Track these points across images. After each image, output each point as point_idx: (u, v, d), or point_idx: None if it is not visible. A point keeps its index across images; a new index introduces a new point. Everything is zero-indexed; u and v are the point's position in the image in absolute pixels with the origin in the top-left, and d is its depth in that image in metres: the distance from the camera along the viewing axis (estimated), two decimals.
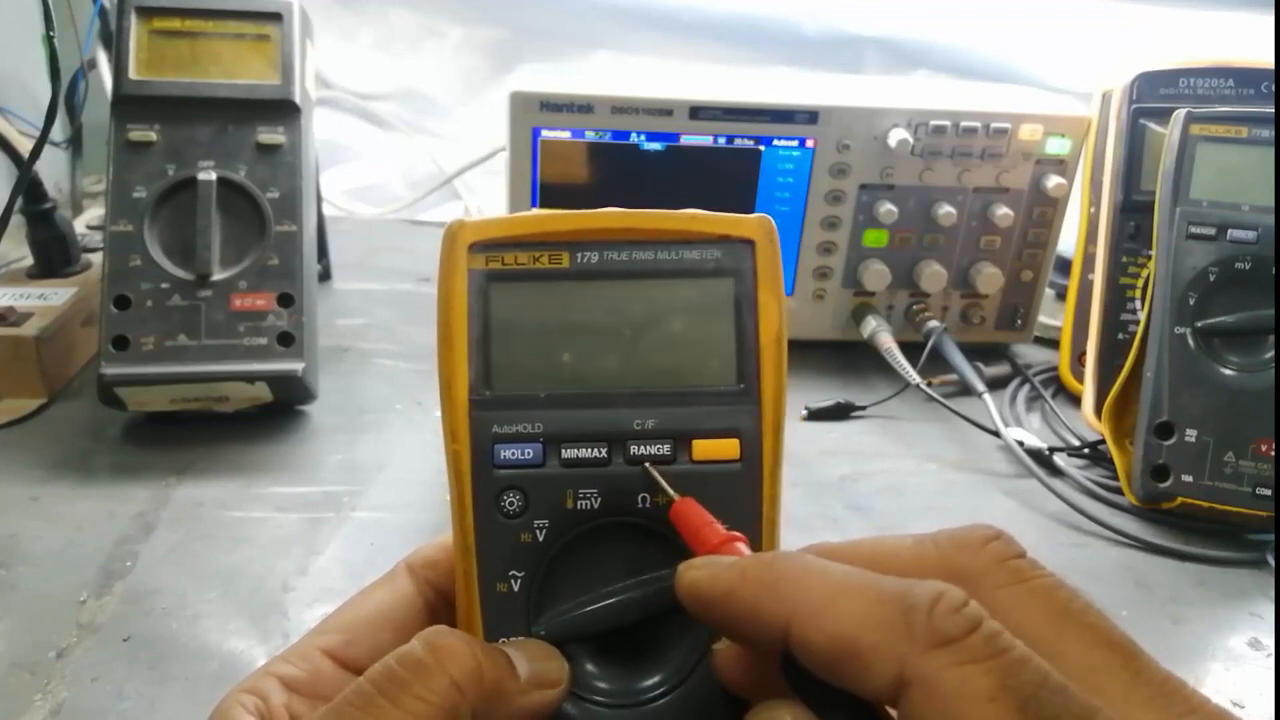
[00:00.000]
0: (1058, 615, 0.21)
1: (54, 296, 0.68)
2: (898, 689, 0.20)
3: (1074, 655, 0.20)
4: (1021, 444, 0.63)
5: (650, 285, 0.28)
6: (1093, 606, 0.21)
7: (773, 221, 0.28)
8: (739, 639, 0.24)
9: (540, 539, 0.27)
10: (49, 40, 0.63)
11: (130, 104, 0.61)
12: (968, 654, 0.19)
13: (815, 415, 0.68)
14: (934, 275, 0.73)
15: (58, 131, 0.81)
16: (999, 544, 0.23)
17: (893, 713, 0.20)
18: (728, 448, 0.28)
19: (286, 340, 0.60)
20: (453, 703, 0.23)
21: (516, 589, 0.27)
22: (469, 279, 0.27)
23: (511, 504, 0.27)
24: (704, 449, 0.28)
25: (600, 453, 0.27)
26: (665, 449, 0.27)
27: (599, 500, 0.27)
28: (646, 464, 0.27)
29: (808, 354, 0.74)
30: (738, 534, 0.25)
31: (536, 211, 0.29)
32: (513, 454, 0.27)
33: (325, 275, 0.85)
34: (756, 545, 0.28)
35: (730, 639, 0.24)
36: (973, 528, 0.23)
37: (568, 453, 0.27)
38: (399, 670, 0.23)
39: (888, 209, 0.72)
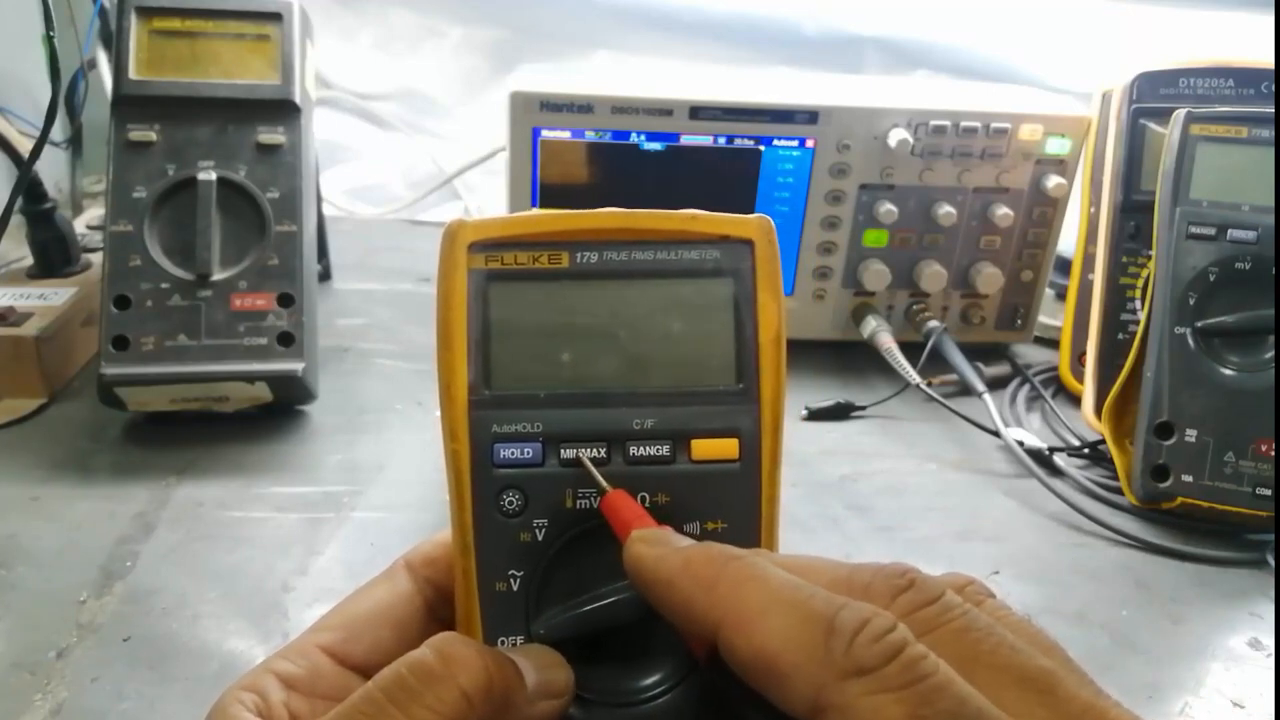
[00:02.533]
0: (967, 661, 0.20)
1: (54, 296, 0.68)
2: (815, 713, 0.20)
3: (988, 697, 0.19)
4: (1021, 444, 0.63)
5: (650, 285, 0.28)
6: (1005, 642, 0.21)
7: (772, 222, 0.28)
8: (673, 623, 0.24)
9: (539, 538, 0.27)
10: (49, 40, 0.63)
11: (130, 104, 0.61)
12: (882, 683, 0.19)
13: (815, 415, 0.68)
14: (934, 275, 0.73)
15: (58, 131, 0.81)
16: (909, 595, 0.22)
17: None
18: (727, 447, 0.28)
19: (286, 340, 0.60)
20: (462, 713, 0.23)
21: (516, 588, 0.27)
22: (469, 278, 0.27)
23: (511, 503, 0.27)
24: (703, 449, 0.28)
25: (599, 452, 0.27)
26: (664, 449, 0.27)
27: (598, 500, 0.27)
28: (584, 458, 0.27)
29: (808, 354, 0.74)
30: (667, 527, 0.25)
31: (536, 211, 0.29)
32: (512, 453, 0.27)
33: (325, 275, 0.85)
34: (754, 546, 0.28)
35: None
36: (886, 572, 0.23)
37: (567, 452, 0.27)
38: (410, 679, 0.23)
39: (888, 209, 0.72)
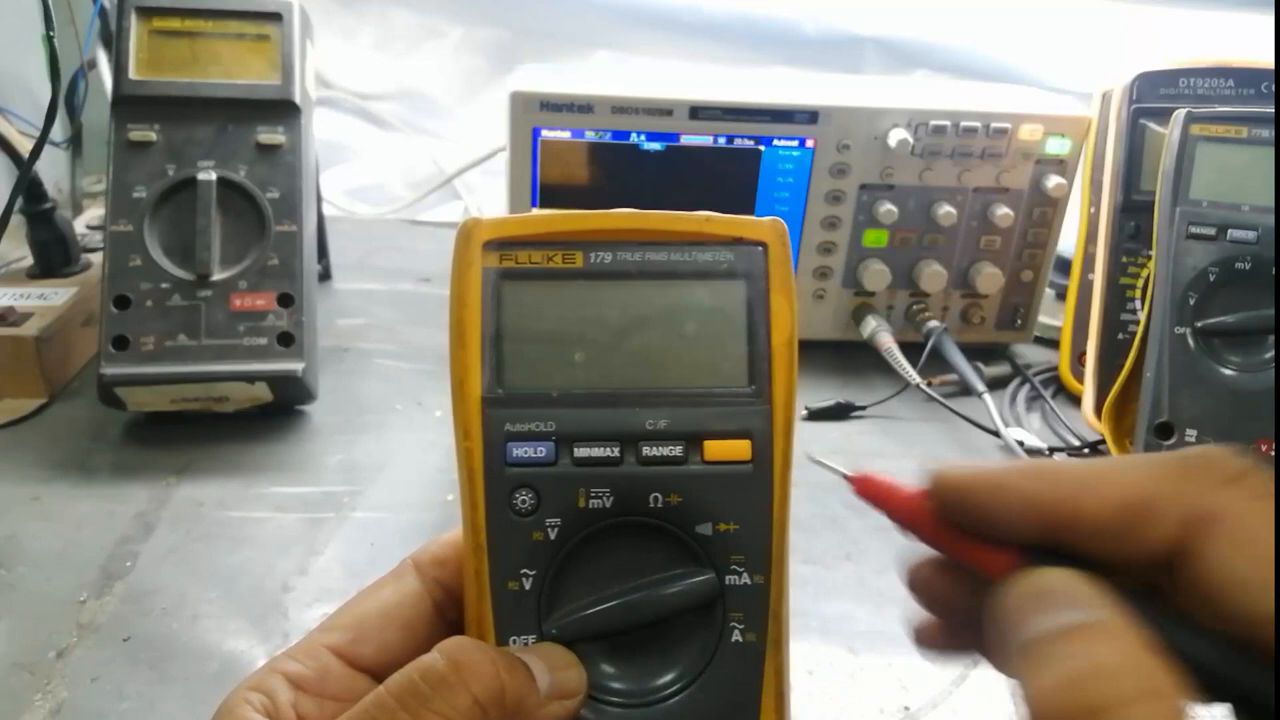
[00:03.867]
0: None
1: (54, 296, 0.68)
2: (1183, 535, 0.20)
3: None
4: (1021, 444, 0.63)
5: (663, 286, 0.28)
6: None
7: (785, 225, 0.28)
8: (1002, 534, 0.23)
9: (552, 537, 0.27)
10: (49, 40, 0.63)
11: (130, 104, 0.61)
12: (1263, 488, 0.19)
13: (815, 415, 0.68)
14: (934, 275, 0.73)
15: (58, 131, 0.81)
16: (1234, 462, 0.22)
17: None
18: (739, 449, 0.28)
19: (286, 340, 0.60)
20: (475, 719, 0.23)
21: (528, 587, 0.27)
22: (483, 277, 0.27)
23: (524, 502, 0.27)
24: (715, 449, 0.28)
25: (613, 452, 0.27)
26: (677, 449, 0.27)
27: (611, 499, 0.27)
28: (813, 458, 0.28)
29: (808, 354, 0.74)
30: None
31: (550, 211, 0.29)
32: (525, 452, 0.27)
33: (325, 275, 0.85)
34: (766, 547, 0.28)
35: (982, 547, 0.23)
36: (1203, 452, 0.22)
37: (580, 451, 0.27)
38: (421, 685, 0.23)
39: (888, 209, 0.72)
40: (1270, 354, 0.56)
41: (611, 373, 0.28)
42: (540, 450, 0.27)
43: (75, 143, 0.89)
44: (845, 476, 0.26)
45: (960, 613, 0.25)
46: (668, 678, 0.27)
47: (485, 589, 0.27)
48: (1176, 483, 0.20)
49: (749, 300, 0.28)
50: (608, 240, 0.28)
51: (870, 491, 0.26)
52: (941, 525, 0.24)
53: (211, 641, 0.45)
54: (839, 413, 0.68)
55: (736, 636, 0.27)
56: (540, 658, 0.25)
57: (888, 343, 0.71)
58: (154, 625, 0.46)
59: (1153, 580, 0.21)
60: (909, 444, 0.66)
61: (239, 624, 0.46)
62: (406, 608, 0.29)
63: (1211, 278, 0.57)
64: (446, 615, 0.29)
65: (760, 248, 0.28)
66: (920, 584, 0.26)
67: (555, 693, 0.25)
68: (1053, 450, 0.63)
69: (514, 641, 0.27)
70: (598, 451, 0.27)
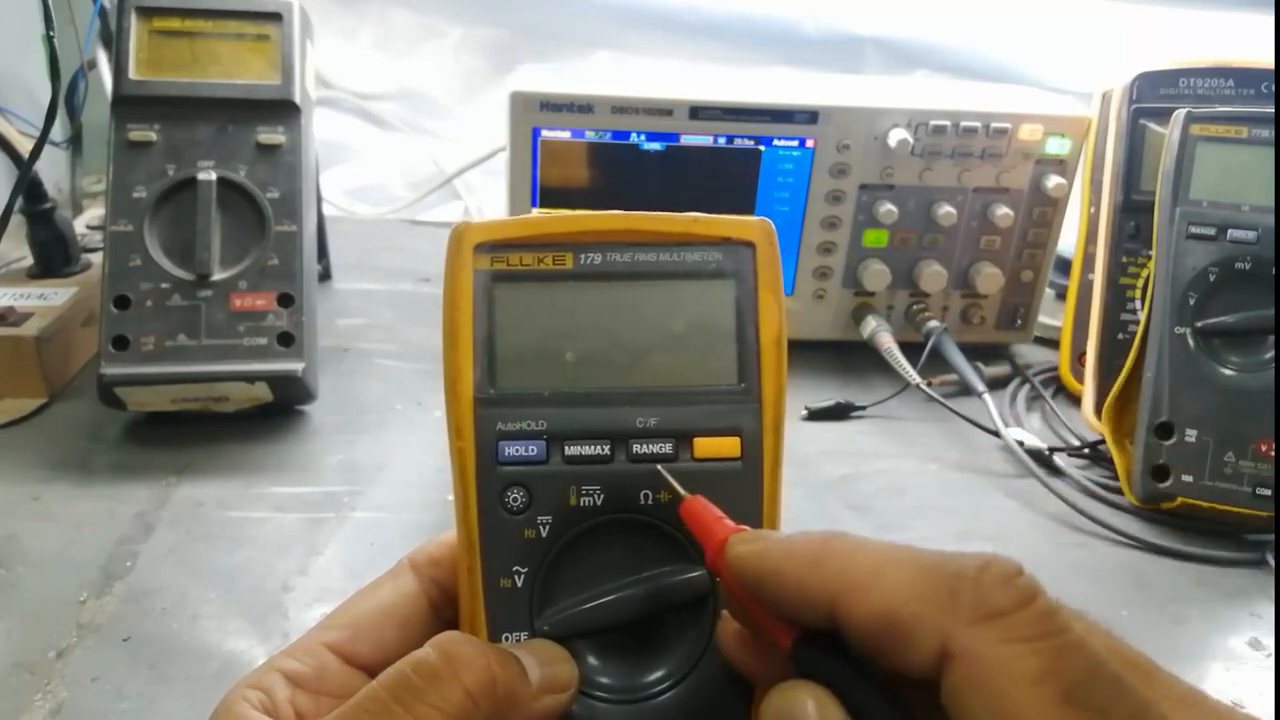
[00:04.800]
0: None
1: (54, 296, 0.68)
2: (940, 663, 0.19)
3: None
4: (1021, 444, 0.63)
5: (652, 286, 0.29)
6: (1099, 627, 0.21)
7: (773, 225, 0.29)
8: (783, 615, 0.24)
9: (544, 535, 0.28)
10: (49, 40, 0.63)
11: (130, 104, 0.61)
12: (1016, 630, 0.18)
13: (815, 415, 0.68)
14: (934, 275, 0.73)
15: (58, 131, 0.81)
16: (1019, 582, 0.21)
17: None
18: (729, 446, 0.28)
19: (286, 340, 0.60)
20: (466, 712, 0.23)
21: (520, 584, 0.27)
22: (474, 279, 0.28)
23: (515, 500, 0.27)
24: (705, 447, 0.28)
25: (603, 450, 0.28)
26: (667, 447, 0.28)
27: (602, 497, 0.28)
28: (658, 466, 0.27)
29: (808, 354, 0.74)
30: (746, 527, 0.25)
31: (540, 213, 0.30)
32: (517, 451, 0.27)
33: (325, 275, 0.85)
34: None
35: (771, 617, 0.24)
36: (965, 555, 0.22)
37: (571, 450, 0.28)
38: (414, 678, 0.23)
39: (888, 209, 0.72)
40: (1270, 354, 0.56)
41: (602, 372, 0.28)
42: (532, 449, 0.27)
43: (75, 143, 0.89)
44: (681, 495, 0.27)
45: (760, 675, 0.25)
46: (658, 674, 0.28)
47: (478, 586, 0.27)
48: (935, 611, 0.19)
49: (737, 299, 0.29)
50: (597, 242, 0.28)
51: (691, 519, 0.26)
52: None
53: (211, 641, 0.45)
54: (839, 413, 0.68)
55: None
56: (532, 652, 0.26)
57: (888, 343, 0.71)
58: (154, 625, 0.46)
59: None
60: (909, 444, 0.66)
61: (239, 624, 0.46)
62: (403, 606, 0.29)
63: (1211, 278, 0.57)
64: (442, 614, 0.29)
65: (748, 247, 0.29)
66: (726, 641, 0.26)
67: (547, 686, 0.25)
68: (1053, 450, 0.63)
69: (506, 638, 0.27)
70: (588, 450, 0.28)
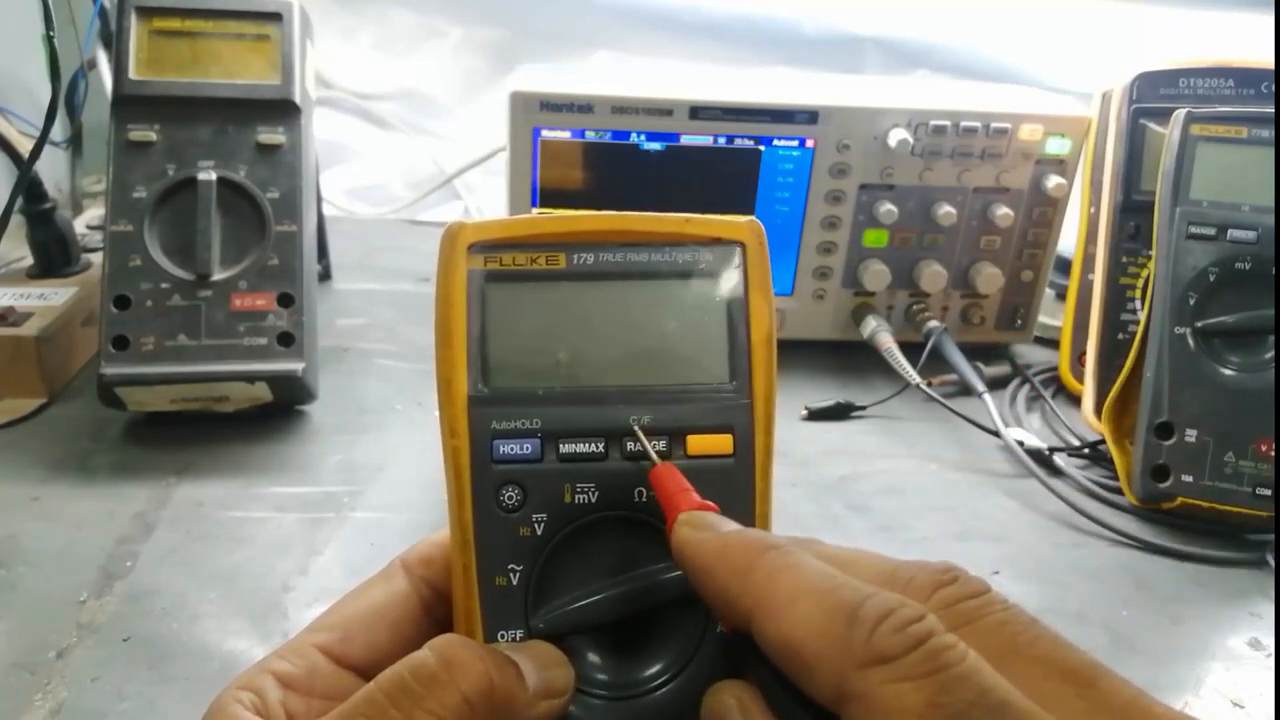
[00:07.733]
0: (1006, 653, 0.21)
1: (54, 296, 0.68)
2: (838, 702, 0.20)
3: (1024, 690, 0.19)
4: (1021, 444, 0.63)
5: (645, 286, 0.29)
6: (1046, 637, 0.21)
7: (762, 225, 0.29)
8: (711, 608, 0.24)
9: (539, 533, 0.28)
10: (49, 40, 0.63)
11: (130, 104, 0.61)
12: (901, 672, 0.19)
13: (815, 415, 0.68)
14: (934, 275, 0.73)
15: (58, 131, 0.81)
16: (951, 588, 0.22)
17: None
18: (721, 442, 0.28)
19: (286, 340, 0.60)
20: (463, 717, 0.23)
21: (515, 582, 0.28)
22: (468, 279, 0.28)
23: (510, 498, 0.28)
24: (698, 444, 0.28)
25: (597, 448, 0.28)
26: (660, 444, 0.28)
27: (596, 494, 0.28)
28: (635, 426, 0.28)
29: (808, 354, 0.74)
30: (711, 504, 0.26)
31: (534, 214, 0.30)
32: (511, 449, 0.28)
33: (325, 275, 0.85)
34: None
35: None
36: (930, 568, 0.23)
37: (565, 448, 0.28)
38: (411, 682, 0.23)
39: (888, 209, 0.72)
40: (1270, 354, 0.56)
41: (595, 371, 0.29)
42: (526, 447, 0.28)
43: (75, 143, 0.89)
44: (653, 460, 0.27)
45: None
46: (653, 670, 0.28)
47: (473, 585, 0.28)
48: (834, 652, 0.20)
49: (728, 298, 0.29)
50: (590, 242, 0.29)
51: (658, 486, 0.27)
52: None
53: (211, 641, 0.45)
54: (839, 413, 0.68)
55: (721, 628, 0.27)
56: (529, 656, 0.26)
57: (888, 343, 0.71)
58: (154, 625, 0.46)
59: None
60: (909, 444, 0.66)
61: (239, 624, 0.46)
62: (394, 607, 0.29)
63: (1211, 278, 0.57)
64: (434, 614, 0.29)
65: (738, 247, 0.29)
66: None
67: (544, 691, 0.25)
68: (1052, 450, 0.63)
69: (502, 636, 0.27)
70: (582, 447, 0.28)
